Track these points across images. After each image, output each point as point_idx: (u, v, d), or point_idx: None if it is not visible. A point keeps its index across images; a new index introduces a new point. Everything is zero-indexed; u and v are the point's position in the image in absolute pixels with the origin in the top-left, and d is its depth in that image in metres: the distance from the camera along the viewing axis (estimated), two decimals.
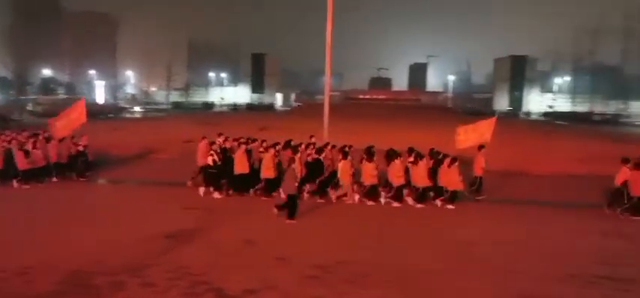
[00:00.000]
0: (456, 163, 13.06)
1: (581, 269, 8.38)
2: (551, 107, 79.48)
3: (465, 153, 14.18)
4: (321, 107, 19.68)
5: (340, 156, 13.48)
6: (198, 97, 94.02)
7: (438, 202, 13.04)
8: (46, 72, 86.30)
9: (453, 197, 13.06)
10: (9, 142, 15.17)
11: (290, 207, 11.16)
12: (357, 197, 13.26)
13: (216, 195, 13.36)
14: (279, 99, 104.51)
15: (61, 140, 15.60)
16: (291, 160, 11.88)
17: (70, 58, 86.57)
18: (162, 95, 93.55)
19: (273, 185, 13.45)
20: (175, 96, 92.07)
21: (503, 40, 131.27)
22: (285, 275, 7.77)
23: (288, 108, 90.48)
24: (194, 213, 11.60)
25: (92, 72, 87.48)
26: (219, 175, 13.51)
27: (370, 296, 7.17)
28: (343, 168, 13.12)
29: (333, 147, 14.50)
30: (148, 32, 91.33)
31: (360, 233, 10.54)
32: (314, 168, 13.52)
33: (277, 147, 13.89)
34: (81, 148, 15.64)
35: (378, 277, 7.83)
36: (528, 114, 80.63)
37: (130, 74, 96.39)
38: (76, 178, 15.44)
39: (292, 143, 14.93)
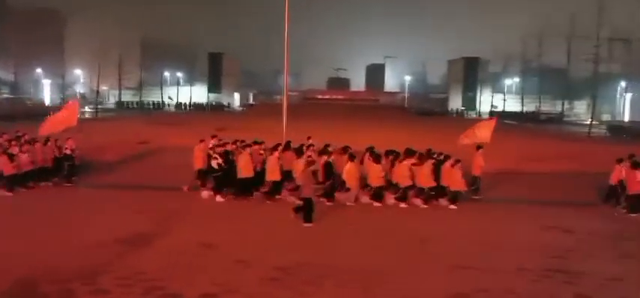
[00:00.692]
0: (459, 164, 13.27)
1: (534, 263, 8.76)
2: (494, 107, 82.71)
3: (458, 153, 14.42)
4: (279, 107, 19.63)
5: (345, 159, 13.37)
6: (153, 97, 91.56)
7: (443, 202, 13.22)
8: None
9: (455, 197, 13.25)
10: None
11: (306, 210, 10.92)
12: (366, 198, 13.19)
13: (219, 198, 13.08)
14: (237, 99, 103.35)
15: (45, 143, 14.82)
16: (310, 162, 11.65)
17: (15, 56, 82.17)
18: (114, 94, 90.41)
19: (277, 187, 13.34)
20: (128, 96, 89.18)
21: (456, 42, 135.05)
22: (246, 278, 7.66)
23: (243, 108, 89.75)
24: (150, 216, 11.26)
25: (39, 71, 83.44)
26: (224, 179, 13.22)
27: (330, 296, 7.19)
28: (350, 171, 12.96)
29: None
30: (98, 30, 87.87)
31: (325, 234, 10.55)
32: (325, 171, 13.28)
33: (279, 149, 13.56)
34: (67, 151, 14.92)
35: (338, 278, 7.86)
36: (479, 114, 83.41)
37: (79, 73, 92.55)
38: (61, 183, 14.68)
39: (292, 145, 14.74)
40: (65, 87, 79.47)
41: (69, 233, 9.98)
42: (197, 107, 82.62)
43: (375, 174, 13.12)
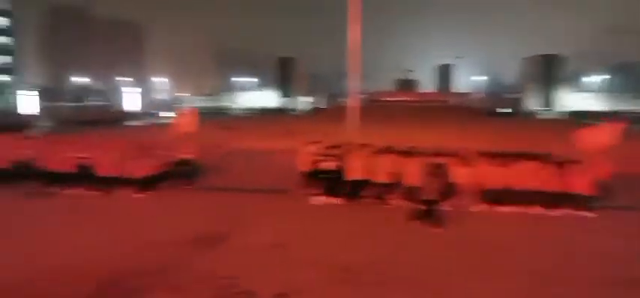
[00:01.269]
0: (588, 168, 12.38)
1: None
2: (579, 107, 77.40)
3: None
4: (347, 109, 19.71)
5: (458, 162, 12.79)
6: (227, 102, 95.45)
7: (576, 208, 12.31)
8: (80, 80, 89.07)
9: (588, 202, 12.29)
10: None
11: (431, 215, 10.74)
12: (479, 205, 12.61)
13: (332, 201, 13.04)
14: (306, 102, 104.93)
15: (165, 148, 15.48)
16: (438, 166, 11.29)
17: (104, 66, 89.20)
18: (192, 100, 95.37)
19: (386, 190, 13.10)
20: (204, 102, 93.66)
21: (531, 39, 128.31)
22: (315, 279, 7.78)
23: (310, 111, 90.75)
24: (227, 216, 11.66)
25: (123, 79, 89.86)
26: (335, 181, 13.23)
27: None
28: (464, 175, 12.42)
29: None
30: (178, 40, 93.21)
31: (405, 237, 10.47)
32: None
33: (385, 151, 13.46)
34: (186, 156, 15.42)
35: (408, 283, 7.78)
36: (559, 112, 78.58)
37: (160, 80, 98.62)
38: (181, 186, 14.99)
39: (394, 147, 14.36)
40: (146, 94, 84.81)
41: (150, 231, 10.60)
42: (266, 112, 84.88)
43: (491, 178, 12.41)
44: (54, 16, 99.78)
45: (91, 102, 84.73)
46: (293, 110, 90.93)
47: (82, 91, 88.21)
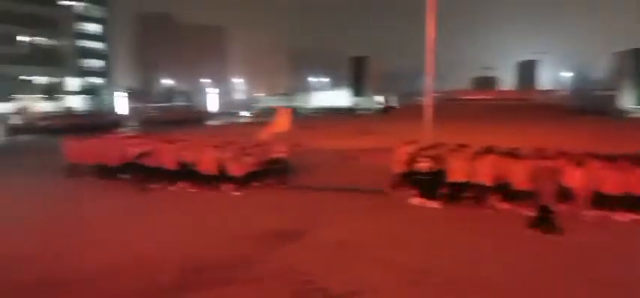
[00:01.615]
0: None
1: None
2: None
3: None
4: (420, 108, 19.28)
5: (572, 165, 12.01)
6: (301, 102, 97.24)
7: None
8: (167, 82, 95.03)
9: None
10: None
11: (546, 221, 10.14)
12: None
13: (432, 204, 12.50)
14: (379, 101, 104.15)
15: (259, 147, 15.83)
16: (552, 169, 10.60)
17: (187, 68, 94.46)
18: (267, 100, 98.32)
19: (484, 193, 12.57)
20: (278, 101, 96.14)
21: (623, 31, 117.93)
22: (388, 279, 7.73)
23: (382, 110, 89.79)
24: (315, 214, 11.88)
25: (204, 80, 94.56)
26: (433, 183, 12.74)
27: None
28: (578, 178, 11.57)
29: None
30: (254, 41, 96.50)
31: (455, 238, 10.14)
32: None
33: (496, 154, 12.98)
34: (280, 155, 15.63)
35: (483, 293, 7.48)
36: None
37: (238, 81, 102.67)
38: (275, 184, 15.22)
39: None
40: (226, 95, 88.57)
41: (241, 226, 11.04)
42: (335, 111, 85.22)
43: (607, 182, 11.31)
44: (143, 22, 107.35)
45: (176, 103, 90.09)
46: (367, 109, 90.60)
47: (168, 93, 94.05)
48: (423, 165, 12.71)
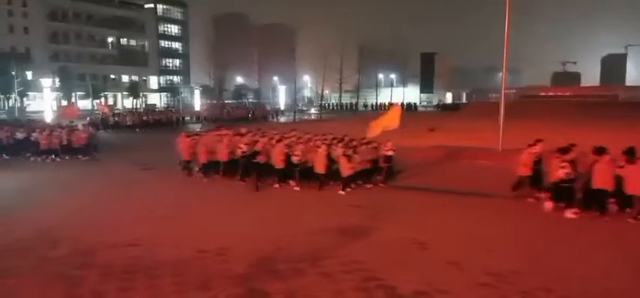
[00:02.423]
0: None
1: None
2: None
3: None
4: (493, 105, 18.69)
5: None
6: (369, 99, 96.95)
7: None
8: (239, 79, 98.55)
9: None
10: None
11: None
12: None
13: (570, 214, 11.32)
14: (449, 97, 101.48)
15: (368, 144, 15.64)
16: None
17: (257, 65, 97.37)
18: (335, 97, 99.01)
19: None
20: (347, 98, 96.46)
21: None
22: (456, 280, 7.71)
23: (447, 106, 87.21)
24: (358, 210, 12.11)
25: (275, 78, 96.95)
26: (571, 190, 11.62)
27: None
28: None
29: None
30: (322, 38, 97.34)
31: (537, 241, 9.78)
32: None
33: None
34: (389, 153, 15.30)
35: (562, 294, 7.24)
36: None
37: (307, 78, 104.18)
38: (379, 183, 15.11)
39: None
40: (296, 92, 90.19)
41: (293, 220, 11.47)
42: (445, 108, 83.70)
43: None
44: (218, 23, 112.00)
45: (248, 100, 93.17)
46: (437, 105, 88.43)
47: (239, 90, 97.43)
48: (563, 171, 11.57)
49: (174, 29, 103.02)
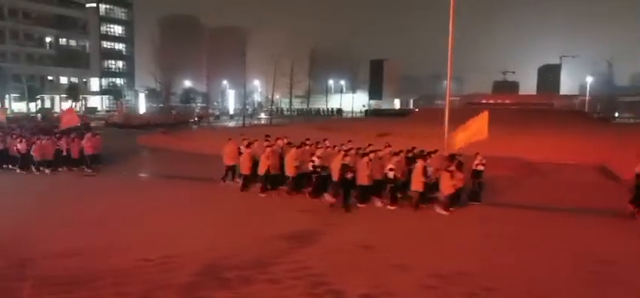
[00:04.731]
0: None
1: None
2: None
3: None
4: (439, 112, 19.18)
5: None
6: (318, 104, 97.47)
7: None
8: (187, 83, 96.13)
9: None
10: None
11: None
12: None
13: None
14: (397, 104, 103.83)
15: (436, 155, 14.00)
16: None
17: (206, 69, 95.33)
18: (285, 102, 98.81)
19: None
20: (296, 103, 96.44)
21: None
22: (403, 283, 7.76)
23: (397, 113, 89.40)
24: (311, 215, 12.04)
25: (225, 82, 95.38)
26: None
27: None
28: None
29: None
30: (273, 42, 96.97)
31: (480, 243, 10.10)
32: None
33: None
34: (480, 168, 13.72)
35: (506, 293, 7.44)
36: None
37: (257, 83, 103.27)
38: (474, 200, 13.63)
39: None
40: (246, 96, 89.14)
41: (243, 226, 11.25)
42: (378, 113, 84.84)
43: None
44: (165, 24, 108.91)
45: (196, 104, 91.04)
46: (366, 112, 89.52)
47: (187, 94, 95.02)
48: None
49: (117, 29, 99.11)
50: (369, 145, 14.62)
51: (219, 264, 8.46)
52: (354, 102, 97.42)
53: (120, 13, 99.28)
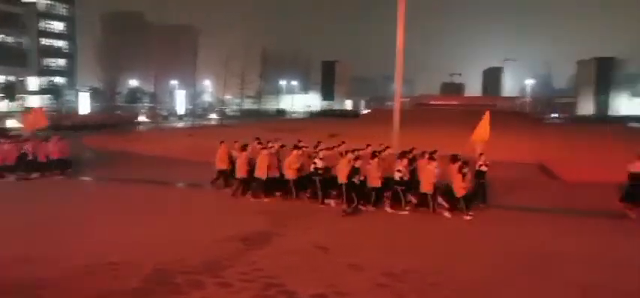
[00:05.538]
0: None
1: None
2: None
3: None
4: (390, 113, 19.51)
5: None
6: (270, 105, 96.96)
7: None
8: (133, 82, 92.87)
9: None
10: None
11: None
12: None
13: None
14: (348, 105, 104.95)
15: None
16: None
17: (154, 68, 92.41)
18: (236, 103, 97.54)
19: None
20: (248, 104, 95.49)
21: (586, 42, 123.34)
22: (356, 282, 7.82)
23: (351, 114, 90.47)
24: (265, 217, 11.91)
25: (174, 82, 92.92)
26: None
27: None
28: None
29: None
30: (224, 42, 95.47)
31: (431, 241, 10.37)
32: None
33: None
34: (483, 168, 13.31)
35: (452, 288, 7.67)
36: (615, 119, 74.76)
37: (207, 83, 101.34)
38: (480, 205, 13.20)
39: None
40: (196, 96, 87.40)
41: (196, 229, 10.99)
42: (326, 114, 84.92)
43: None
44: (110, 21, 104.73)
45: (143, 104, 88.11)
46: (311, 113, 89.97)
47: (133, 93, 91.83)
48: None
49: (58, 26, 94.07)
50: (368, 145, 14.72)
51: (169, 269, 8.18)
52: (296, 102, 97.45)
53: (61, 8, 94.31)
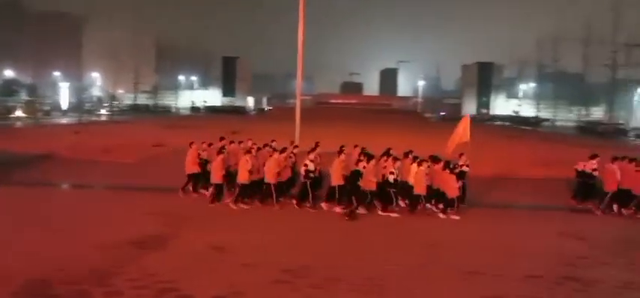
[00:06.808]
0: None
1: (547, 271, 8.66)
2: (516, 112, 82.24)
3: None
4: (292, 111, 19.65)
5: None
6: (169, 100, 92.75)
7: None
8: (8, 73, 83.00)
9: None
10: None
11: None
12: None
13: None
14: (250, 102, 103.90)
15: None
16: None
17: (32, 58, 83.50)
18: (129, 98, 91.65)
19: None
20: (143, 99, 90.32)
21: (471, 46, 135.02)
22: (254, 281, 7.72)
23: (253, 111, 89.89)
24: (159, 218, 11.35)
25: (56, 73, 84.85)
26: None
27: None
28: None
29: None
30: (114, 33, 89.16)
31: (331, 238, 10.58)
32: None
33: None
34: (465, 168, 13.51)
35: (349, 282, 7.86)
36: (493, 118, 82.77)
37: (96, 76, 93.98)
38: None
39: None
40: (83, 90, 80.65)
41: (82, 233, 10.10)
42: (214, 110, 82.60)
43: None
44: None
45: (20, 97, 79.17)
46: (208, 108, 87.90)
47: (9, 85, 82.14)
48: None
49: None
50: (356, 146, 14.61)
51: (49, 278, 7.41)
52: (194, 98, 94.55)
53: None
